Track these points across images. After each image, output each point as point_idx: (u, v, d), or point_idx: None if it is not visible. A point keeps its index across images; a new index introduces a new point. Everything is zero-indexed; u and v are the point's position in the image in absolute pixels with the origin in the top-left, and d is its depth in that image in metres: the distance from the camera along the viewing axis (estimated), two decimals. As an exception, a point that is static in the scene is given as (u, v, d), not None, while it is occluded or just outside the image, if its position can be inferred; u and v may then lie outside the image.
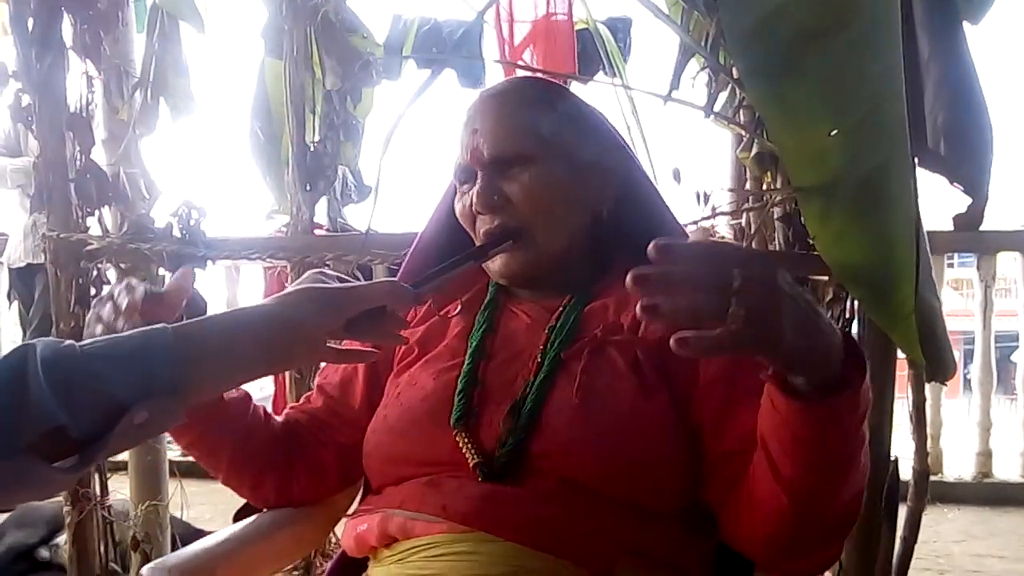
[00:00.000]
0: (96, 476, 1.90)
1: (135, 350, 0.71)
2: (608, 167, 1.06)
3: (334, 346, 0.88)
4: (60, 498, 1.97)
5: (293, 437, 1.10)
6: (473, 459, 0.94)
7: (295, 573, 2.52)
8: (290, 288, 0.84)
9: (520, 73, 2.98)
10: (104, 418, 0.67)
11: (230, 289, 3.83)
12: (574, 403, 0.93)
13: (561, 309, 1.04)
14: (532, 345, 1.02)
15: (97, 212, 2.03)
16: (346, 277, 0.90)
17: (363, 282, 0.87)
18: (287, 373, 2.37)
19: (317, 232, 2.61)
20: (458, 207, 1.07)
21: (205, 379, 0.75)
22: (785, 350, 0.70)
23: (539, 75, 2.77)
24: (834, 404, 0.75)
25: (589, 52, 3.36)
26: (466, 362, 1.02)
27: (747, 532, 0.91)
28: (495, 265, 1.04)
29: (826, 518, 0.85)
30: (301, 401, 1.16)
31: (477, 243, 1.05)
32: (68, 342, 0.70)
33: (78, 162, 1.98)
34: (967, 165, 1.33)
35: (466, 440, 0.95)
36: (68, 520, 1.88)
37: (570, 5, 3.16)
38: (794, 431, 0.78)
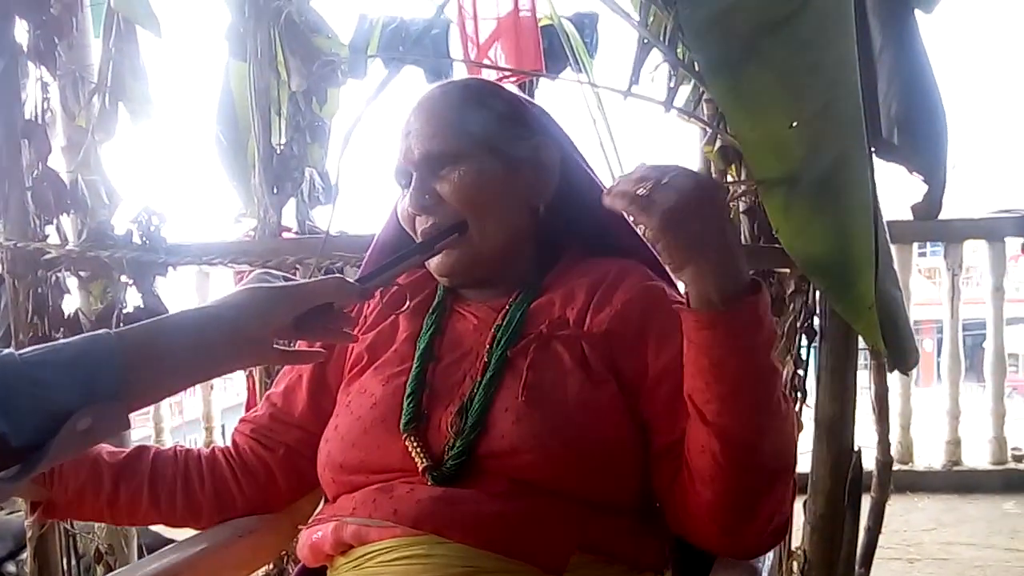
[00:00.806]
0: (58, 488, 1.87)
1: (77, 355, 0.70)
2: (543, 162, 1.06)
3: (281, 347, 0.87)
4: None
5: (234, 449, 1.10)
6: (422, 463, 0.93)
7: (267, 579, 2.50)
8: (236, 288, 0.84)
9: (485, 72, 2.97)
10: (46, 425, 0.67)
11: (200, 295, 3.79)
12: (520, 401, 0.93)
13: (507, 307, 1.04)
14: (479, 345, 1.01)
15: (55, 220, 1.99)
16: (291, 277, 0.89)
17: (306, 280, 0.87)
18: (257, 379, 2.35)
19: (285, 235, 2.59)
20: (399, 210, 1.07)
21: (149, 383, 0.75)
22: (702, 250, 0.81)
23: (479, 75, 2.76)
24: (740, 312, 0.82)
25: (556, 49, 3.35)
26: (414, 365, 1.02)
27: (692, 509, 0.91)
28: (434, 263, 1.04)
29: (760, 467, 0.87)
30: (248, 415, 1.15)
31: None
32: (7, 350, 0.69)
33: (35, 170, 1.94)
34: (921, 154, 1.33)
35: (415, 444, 0.95)
36: (29, 535, 1.85)
37: (534, 1, 3.16)
38: (709, 353, 0.84)
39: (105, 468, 1.02)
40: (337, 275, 0.90)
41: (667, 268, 0.85)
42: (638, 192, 0.81)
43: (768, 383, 0.86)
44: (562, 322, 1.00)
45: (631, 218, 0.84)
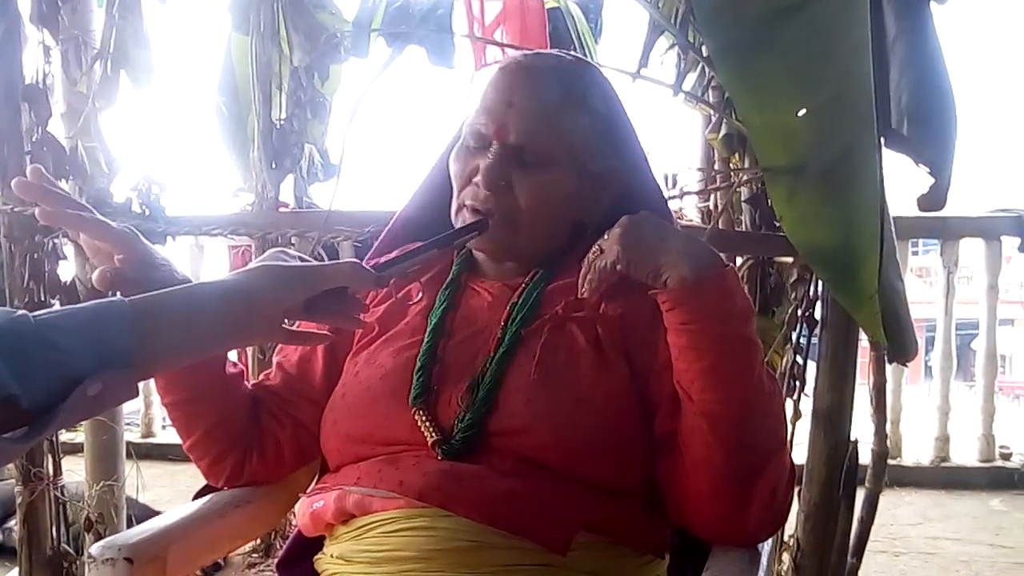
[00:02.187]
0: (49, 456, 1.87)
1: (90, 320, 0.69)
2: (607, 184, 1.05)
3: (289, 327, 0.87)
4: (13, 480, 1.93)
5: (252, 416, 1.08)
6: (431, 437, 0.93)
7: (255, 555, 2.51)
8: (251, 265, 0.83)
9: (492, 50, 2.94)
10: (57, 389, 0.66)
11: (193, 267, 3.78)
12: (532, 380, 0.93)
13: (523, 286, 1.03)
14: (493, 323, 1.01)
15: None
16: (307, 257, 0.89)
17: (323, 263, 0.86)
18: (249, 354, 2.34)
19: (282, 211, 2.57)
20: (457, 164, 1.04)
21: (161, 352, 0.74)
22: (665, 248, 0.90)
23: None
24: (706, 284, 0.87)
25: (560, 31, 3.33)
26: (425, 340, 1.01)
27: (689, 495, 0.92)
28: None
29: (749, 446, 0.88)
30: (260, 378, 1.14)
31: (454, 209, 1.04)
32: (21, 311, 0.69)
33: (35, 135, 1.93)
34: (930, 146, 1.33)
35: (424, 418, 0.94)
36: (19, 501, 1.84)
37: (540, -16, 3.14)
38: (685, 332, 0.88)
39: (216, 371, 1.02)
40: (353, 260, 0.89)
41: (654, 284, 0.90)
42: (592, 260, 0.93)
43: (746, 355, 0.89)
44: (578, 305, 0.99)
45: (606, 275, 0.93)
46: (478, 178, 1.00)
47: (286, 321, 0.85)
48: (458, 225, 1.03)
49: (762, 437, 0.89)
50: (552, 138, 1.00)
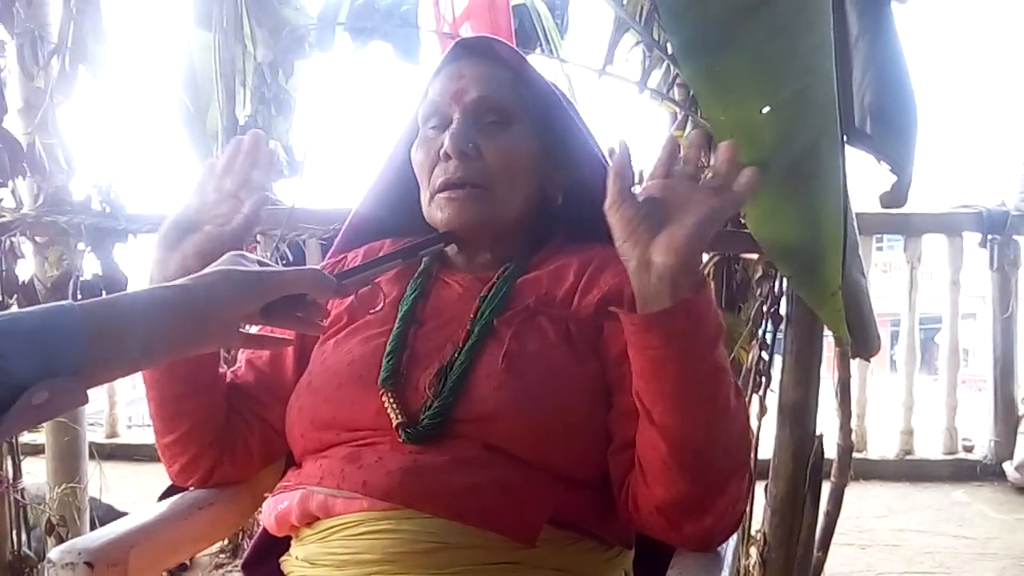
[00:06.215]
0: (8, 459, 1.83)
1: (38, 326, 0.67)
2: (571, 157, 1.07)
3: (246, 331, 0.85)
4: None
5: (226, 418, 1.07)
6: (396, 419, 0.92)
7: (222, 556, 2.49)
8: (208, 269, 0.81)
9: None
10: (1, 397, 0.64)
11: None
12: (501, 368, 0.92)
13: (494, 280, 1.03)
14: (463, 314, 1.00)
15: (11, 183, 1.94)
16: (267, 261, 0.87)
17: (283, 268, 0.85)
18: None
19: (246, 208, 2.54)
20: (421, 152, 1.05)
21: (111, 359, 0.72)
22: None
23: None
24: (679, 307, 0.81)
25: (526, 28, 3.33)
26: (396, 326, 1.01)
27: (642, 503, 0.89)
28: (443, 213, 1.02)
29: (709, 468, 0.85)
30: (228, 376, 1.12)
31: (427, 199, 1.05)
32: None
33: (-10, 131, 1.90)
34: (892, 143, 1.34)
35: (391, 400, 0.93)
36: (-23, 505, 1.81)
37: (506, -21, 3.13)
38: (649, 355, 0.83)
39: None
40: (314, 268, 0.88)
41: (628, 266, 0.85)
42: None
43: (713, 382, 0.84)
44: (549, 300, 0.99)
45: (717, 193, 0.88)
46: (446, 147, 1.00)
47: (244, 326, 0.83)
48: (434, 214, 1.04)
49: (723, 461, 0.86)
50: (509, 93, 1.02)
